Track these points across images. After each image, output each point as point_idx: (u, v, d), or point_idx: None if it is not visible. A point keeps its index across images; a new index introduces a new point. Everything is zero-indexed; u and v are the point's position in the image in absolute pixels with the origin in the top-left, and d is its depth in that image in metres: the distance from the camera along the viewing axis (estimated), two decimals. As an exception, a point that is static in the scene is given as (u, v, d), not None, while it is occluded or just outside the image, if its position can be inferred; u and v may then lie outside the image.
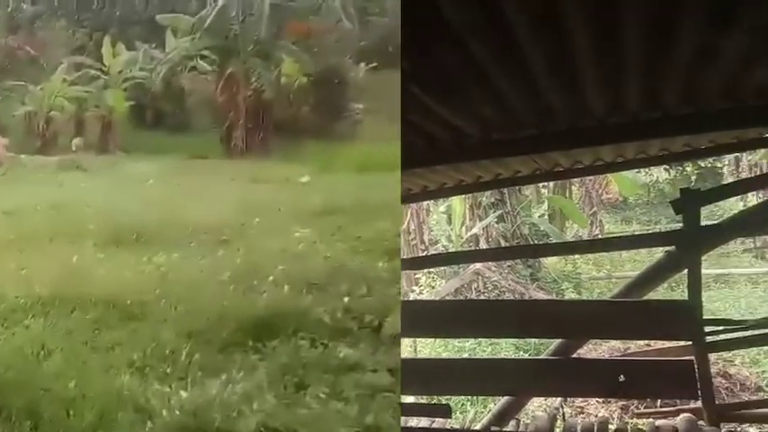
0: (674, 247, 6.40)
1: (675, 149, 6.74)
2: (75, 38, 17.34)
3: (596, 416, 8.40)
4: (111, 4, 16.92)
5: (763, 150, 11.95)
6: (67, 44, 17.21)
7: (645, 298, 6.87)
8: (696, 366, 6.02)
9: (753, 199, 15.23)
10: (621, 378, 6.37)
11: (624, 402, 8.44)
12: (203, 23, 14.43)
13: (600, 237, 17.54)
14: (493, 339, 10.81)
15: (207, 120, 15.62)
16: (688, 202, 6.07)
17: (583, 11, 2.95)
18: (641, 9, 2.99)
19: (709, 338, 6.03)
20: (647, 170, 20.71)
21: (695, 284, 6.04)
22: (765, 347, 8.80)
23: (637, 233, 16.75)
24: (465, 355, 10.91)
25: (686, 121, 4.98)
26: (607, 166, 7.24)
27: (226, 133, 14.51)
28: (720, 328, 6.19)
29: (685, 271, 6.44)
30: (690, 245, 6.07)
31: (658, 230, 15.04)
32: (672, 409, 6.76)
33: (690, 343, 6.05)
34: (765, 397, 7.24)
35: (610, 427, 7.07)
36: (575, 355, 6.73)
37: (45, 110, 15.47)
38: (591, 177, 18.16)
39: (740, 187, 10.34)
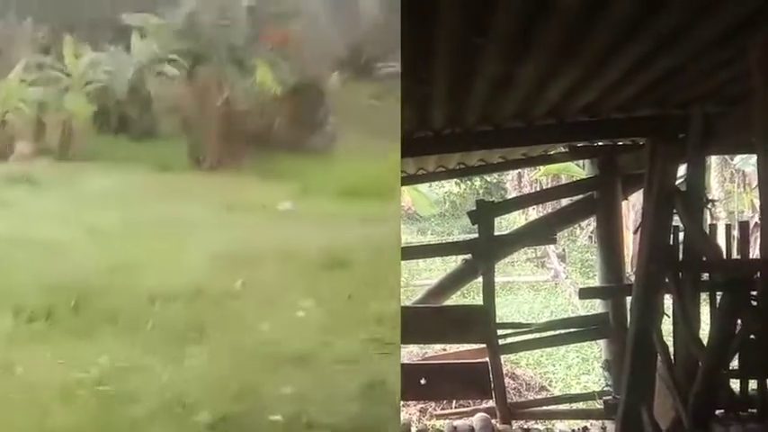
0: (470, 255, 6.81)
1: (471, 163, 7.15)
2: (37, 35, 15.05)
3: (397, 420, 8.59)
4: (76, 1, 15.01)
5: (544, 168, 13.08)
6: (28, 42, 14.90)
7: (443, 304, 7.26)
8: (490, 368, 6.43)
9: (533, 212, 16.64)
10: (423, 381, 6.65)
11: (422, 405, 8.71)
12: (174, 25, 13.32)
13: (398, 247, 18.14)
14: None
15: (174, 129, 14.01)
16: (483, 213, 6.46)
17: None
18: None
19: (500, 341, 6.44)
20: (439, 183, 21.80)
21: (489, 290, 6.45)
22: (548, 349, 9.59)
23: (432, 243, 17.55)
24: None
25: (484, 137, 5.29)
26: (408, 177, 7.51)
27: (194, 144, 13.10)
28: (509, 331, 6.61)
29: (479, 278, 6.90)
30: (485, 253, 6.48)
31: (453, 240, 15.85)
32: (468, 409, 7.13)
33: (484, 345, 6.45)
34: (549, 395, 7.86)
35: (411, 429, 7.34)
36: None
37: (0, 112, 13.45)
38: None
39: (529, 200, 11.25)
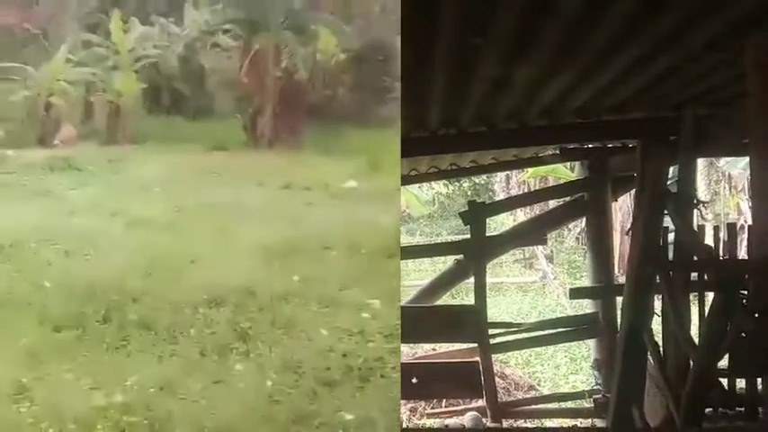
0: (462, 255, 6.86)
1: (463, 164, 7.19)
2: (84, 12, 13.85)
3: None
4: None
5: (532, 170, 13.14)
6: (74, 20, 13.80)
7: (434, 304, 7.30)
8: (481, 367, 6.48)
9: (521, 214, 16.72)
10: (414, 380, 6.68)
11: (413, 404, 8.75)
12: (227, -8, 11.82)
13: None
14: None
15: (230, 104, 12.75)
16: (475, 213, 6.51)
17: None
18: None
19: (491, 341, 6.49)
20: (428, 185, 21.83)
21: (481, 290, 6.50)
22: (536, 349, 9.66)
23: (423, 243, 17.59)
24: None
25: (477, 138, 5.34)
26: (402, 178, 7.54)
27: (251, 120, 11.80)
28: (500, 331, 6.67)
29: (469, 279, 6.94)
30: (477, 254, 6.52)
31: (445, 241, 15.89)
32: (458, 408, 7.17)
33: (475, 345, 6.50)
34: (537, 395, 7.93)
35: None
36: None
37: (45, 95, 12.53)
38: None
39: (520, 201, 11.31)
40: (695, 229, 4.38)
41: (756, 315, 2.99)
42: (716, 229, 4.63)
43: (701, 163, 13.48)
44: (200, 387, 3.17)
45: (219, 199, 7.17)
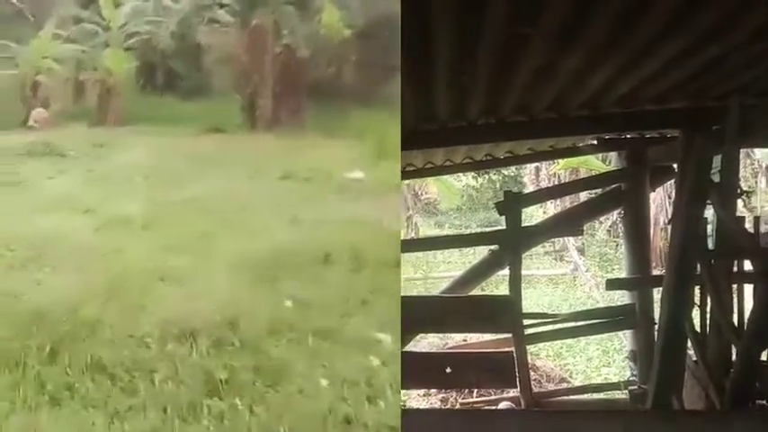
0: (497, 246, 6.87)
1: (498, 155, 7.19)
2: None
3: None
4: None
5: (563, 161, 13.09)
6: None
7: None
8: (515, 357, 6.50)
9: (551, 206, 16.66)
10: (448, 370, 6.72)
11: (444, 394, 8.80)
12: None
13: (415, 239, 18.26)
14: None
15: (227, 83, 11.83)
16: (510, 204, 6.51)
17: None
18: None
19: (526, 332, 6.51)
20: (457, 177, 21.79)
21: (516, 281, 6.51)
22: (568, 341, 9.66)
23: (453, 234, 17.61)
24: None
25: (516, 128, 5.34)
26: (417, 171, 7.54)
27: (249, 100, 10.93)
28: (534, 321, 6.68)
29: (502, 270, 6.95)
30: (512, 244, 6.53)
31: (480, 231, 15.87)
32: (490, 398, 7.20)
33: (508, 335, 6.52)
34: (569, 386, 7.95)
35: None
36: (403, 350, 6.94)
37: (31, 73, 11.84)
38: (409, 181, 18.87)
39: (556, 192, 11.25)
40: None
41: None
42: (756, 219, 4.60)
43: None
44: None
45: (208, 191, 6.47)
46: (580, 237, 15.00)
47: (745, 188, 4.54)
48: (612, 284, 6.72)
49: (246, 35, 11.10)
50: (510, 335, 6.48)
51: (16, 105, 11.84)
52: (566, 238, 15.08)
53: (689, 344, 4.38)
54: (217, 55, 12.72)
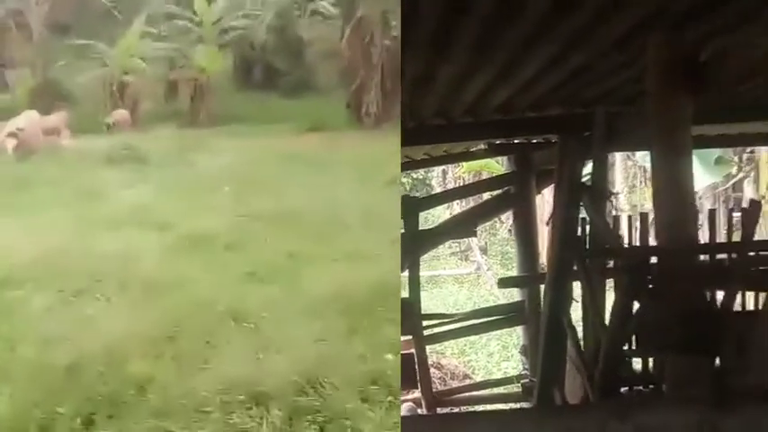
0: (395, 249, 7.02)
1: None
2: None
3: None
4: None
5: (466, 164, 13.44)
6: None
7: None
8: (416, 358, 6.65)
9: (457, 207, 17.04)
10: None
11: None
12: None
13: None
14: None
15: (331, 79, 11.04)
16: (408, 208, 6.67)
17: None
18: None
19: (426, 332, 6.68)
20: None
21: (415, 283, 6.67)
22: (471, 338, 9.92)
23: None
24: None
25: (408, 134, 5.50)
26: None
27: (354, 97, 10.19)
28: (434, 322, 6.86)
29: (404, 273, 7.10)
30: (410, 247, 6.68)
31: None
32: (394, 399, 7.32)
33: (410, 337, 6.67)
34: (471, 383, 8.17)
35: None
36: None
37: (118, 74, 10.91)
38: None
39: (451, 195, 11.53)
40: (609, 219, 4.64)
41: (659, 297, 3.23)
42: (630, 218, 4.91)
43: (619, 156, 14.03)
44: None
45: (305, 202, 5.55)
46: (481, 237, 15.39)
47: (614, 190, 4.82)
48: (503, 283, 7.00)
49: (350, 28, 10.32)
50: (410, 336, 6.64)
51: (103, 108, 11.05)
52: (470, 239, 15.46)
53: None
54: (319, 49, 11.90)
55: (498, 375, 9.25)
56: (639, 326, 3.33)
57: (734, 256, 3.49)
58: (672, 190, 3.23)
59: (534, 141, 6.55)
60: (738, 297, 3.65)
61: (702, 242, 4.53)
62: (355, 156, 7.32)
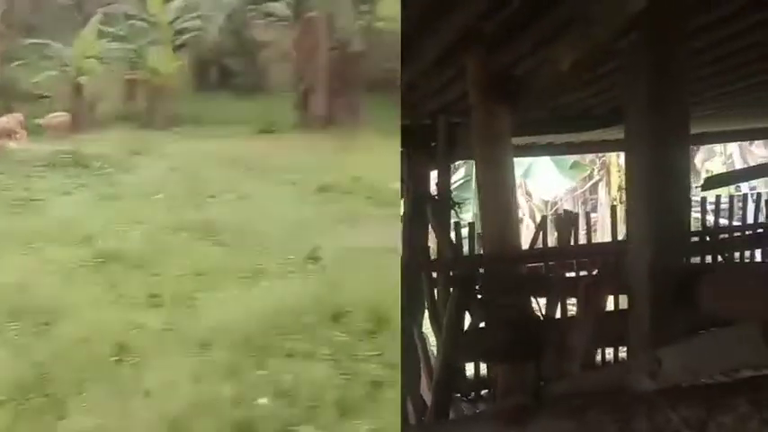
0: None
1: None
2: None
3: None
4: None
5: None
6: None
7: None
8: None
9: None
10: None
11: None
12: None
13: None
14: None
15: (283, 81, 11.23)
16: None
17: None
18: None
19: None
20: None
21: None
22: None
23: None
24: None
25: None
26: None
27: (303, 98, 10.35)
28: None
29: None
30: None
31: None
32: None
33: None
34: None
35: None
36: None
37: (73, 74, 10.88)
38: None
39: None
40: (452, 228, 4.72)
41: (487, 306, 3.28)
42: (471, 225, 5.02)
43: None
44: None
45: (227, 213, 5.29)
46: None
47: (457, 200, 4.93)
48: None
49: (299, 30, 10.54)
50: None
51: (59, 110, 10.63)
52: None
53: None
54: (273, 50, 11.99)
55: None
56: (470, 335, 3.37)
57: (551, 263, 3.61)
58: (494, 199, 3.30)
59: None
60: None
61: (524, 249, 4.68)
62: (294, 161, 7.12)
